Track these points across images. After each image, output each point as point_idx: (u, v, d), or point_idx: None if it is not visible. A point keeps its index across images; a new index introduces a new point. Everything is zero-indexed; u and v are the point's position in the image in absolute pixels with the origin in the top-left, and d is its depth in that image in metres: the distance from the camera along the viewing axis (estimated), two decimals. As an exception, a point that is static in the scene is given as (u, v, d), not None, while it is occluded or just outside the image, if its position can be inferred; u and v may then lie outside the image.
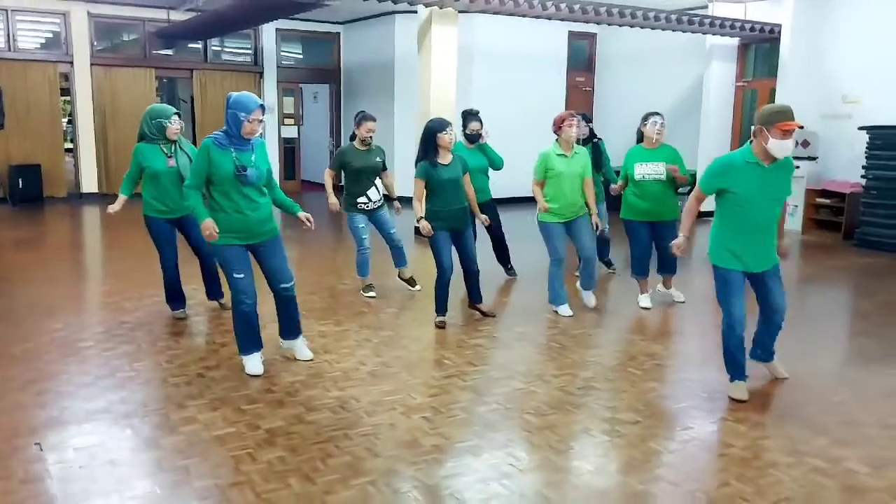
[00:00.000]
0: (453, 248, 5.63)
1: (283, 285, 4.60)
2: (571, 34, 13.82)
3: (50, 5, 12.45)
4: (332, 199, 6.46)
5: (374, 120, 6.31)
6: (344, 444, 3.65)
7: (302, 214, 4.58)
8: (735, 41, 11.77)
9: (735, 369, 4.29)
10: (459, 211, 5.53)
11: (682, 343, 5.62)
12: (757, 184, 3.99)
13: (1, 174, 12.15)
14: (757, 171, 4.00)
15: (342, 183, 6.53)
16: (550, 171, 5.70)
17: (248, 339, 4.58)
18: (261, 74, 14.39)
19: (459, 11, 9.32)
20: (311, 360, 4.79)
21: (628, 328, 5.86)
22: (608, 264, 7.66)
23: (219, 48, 14.35)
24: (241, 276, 4.41)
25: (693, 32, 11.12)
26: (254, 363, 4.58)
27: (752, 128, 4.01)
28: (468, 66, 12.71)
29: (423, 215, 5.46)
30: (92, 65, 12.89)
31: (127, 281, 7.01)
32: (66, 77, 12.93)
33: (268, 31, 14.27)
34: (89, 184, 13.15)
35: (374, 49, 14.10)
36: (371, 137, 6.32)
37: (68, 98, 13.27)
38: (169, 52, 13.93)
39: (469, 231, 5.66)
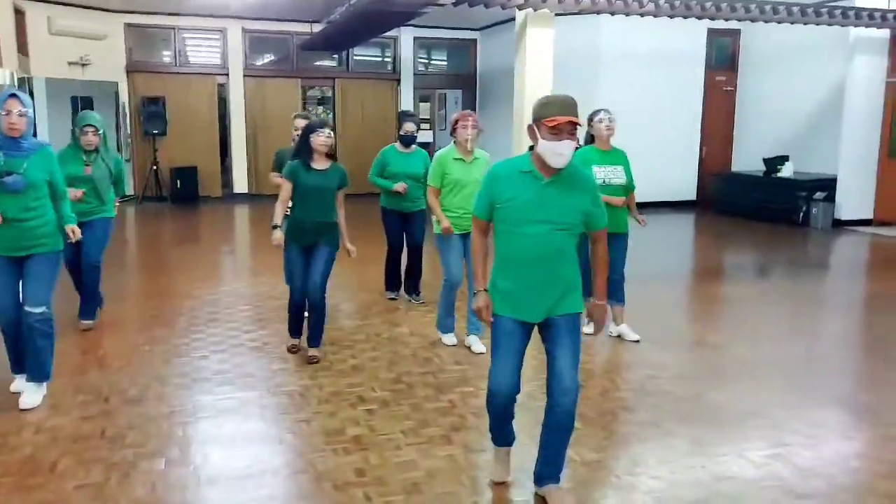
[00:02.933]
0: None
1: (27, 308, 3.99)
2: (711, 31, 13.08)
3: (211, 24, 13.83)
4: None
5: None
6: (277, 428, 3.87)
7: (68, 228, 4.16)
8: (885, 33, 10.59)
9: (498, 437, 3.30)
10: (320, 225, 4.78)
11: (786, 351, 5.30)
12: (530, 200, 2.93)
13: (163, 176, 13.67)
14: (532, 184, 2.94)
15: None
16: (447, 176, 5.00)
17: (11, 359, 4.25)
18: (398, 81, 15.02)
19: (556, 14, 9.22)
20: (32, 408, 4.02)
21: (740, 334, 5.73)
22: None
23: (361, 57, 15.16)
24: None
25: (839, 25, 10.16)
26: (17, 384, 4.24)
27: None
28: (593, 68, 12.49)
29: (278, 223, 4.79)
30: (244, 76, 14.15)
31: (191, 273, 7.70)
32: (222, 87, 14.29)
33: (406, 40, 14.86)
34: (240, 185, 14.43)
35: (504, 54, 14.19)
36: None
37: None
38: (331, 62, 14.88)
39: (323, 252, 4.80)
